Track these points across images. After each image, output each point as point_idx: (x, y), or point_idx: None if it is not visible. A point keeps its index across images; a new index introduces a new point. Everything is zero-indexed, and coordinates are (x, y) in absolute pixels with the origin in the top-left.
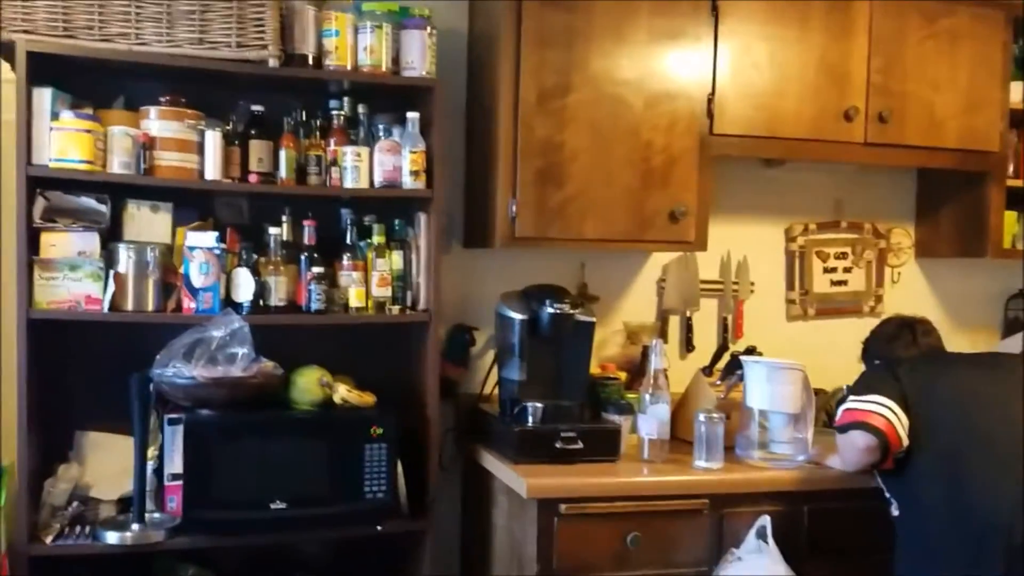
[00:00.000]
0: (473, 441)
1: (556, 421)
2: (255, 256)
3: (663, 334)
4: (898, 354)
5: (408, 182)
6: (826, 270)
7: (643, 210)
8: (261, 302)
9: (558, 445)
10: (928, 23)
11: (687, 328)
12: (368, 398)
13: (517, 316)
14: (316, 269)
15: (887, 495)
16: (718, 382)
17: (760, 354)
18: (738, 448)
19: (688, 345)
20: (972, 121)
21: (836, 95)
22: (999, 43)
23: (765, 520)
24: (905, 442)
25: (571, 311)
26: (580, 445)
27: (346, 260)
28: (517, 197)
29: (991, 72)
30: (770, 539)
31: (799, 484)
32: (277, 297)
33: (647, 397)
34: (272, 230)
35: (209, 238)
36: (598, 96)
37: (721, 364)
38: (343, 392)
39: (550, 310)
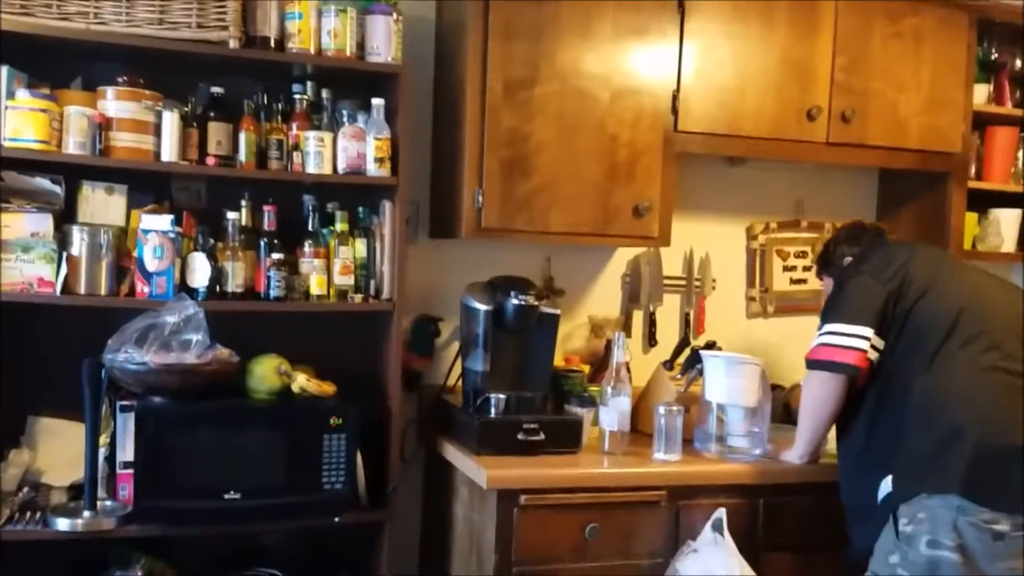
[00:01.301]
0: (436, 433)
1: (519, 412)
2: (212, 241)
3: (627, 328)
4: (866, 251)
5: (372, 169)
6: (786, 268)
7: (608, 204)
8: (218, 288)
9: (520, 436)
10: (893, 22)
11: (650, 323)
12: (328, 388)
13: (482, 307)
14: (276, 255)
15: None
16: (678, 376)
17: (720, 349)
18: (696, 441)
19: (651, 339)
20: (934, 121)
21: (799, 93)
22: (963, 44)
23: (721, 513)
24: (876, 357)
25: (536, 303)
26: (542, 436)
27: (308, 247)
28: (483, 188)
29: (955, 73)
30: (726, 532)
31: (755, 478)
32: (234, 283)
33: (609, 390)
34: (230, 215)
35: (164, 221)
36: (564, 89)
37: (682, 358)
38: (302, 381)
39: (515, 301)
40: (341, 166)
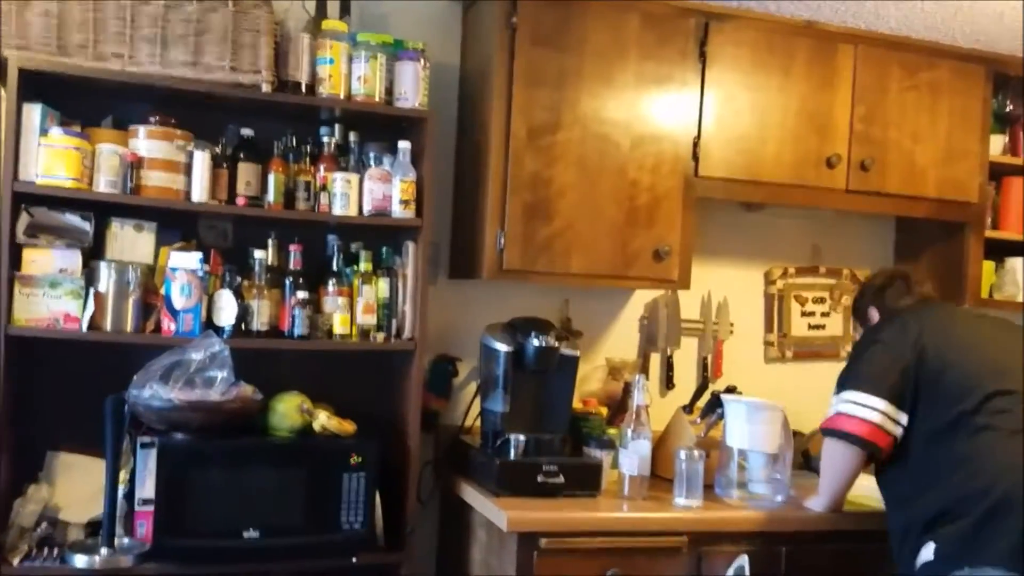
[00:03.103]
0: (453, 473)
1: (538, 454)
2: (239, 279)
3: (644, 371)
4: (893, 304)
5: (398, 211)
6: (804, 314)
7: (628, 247)
8: (243, 326)
9: (540, 479)
10: (910, 75)
11: (668, 366)
12: (348, 426)
13: (503, 348)
14: (301, 294)
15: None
16: (698, 420)
17: (740, 393)
18: (717, 487)
19: (668, 383)
20: (951, 172)
21: (818, 142)
22: (979, 97)
23: (743, 560)
24: (899, 432)
25: (556, 344)
26: (562, 479)
27: (331, 286)
28: (505, 230)
29: (971, 124)
30: None
31: (778, 524)
32: (259, 321)
33: (629, 433)
34: (257, 253)
35: (192, 259)
36: (586, 135)
37: (701, 402)
38: (323, 419)
39: (536, 343)
40: (367, 207)
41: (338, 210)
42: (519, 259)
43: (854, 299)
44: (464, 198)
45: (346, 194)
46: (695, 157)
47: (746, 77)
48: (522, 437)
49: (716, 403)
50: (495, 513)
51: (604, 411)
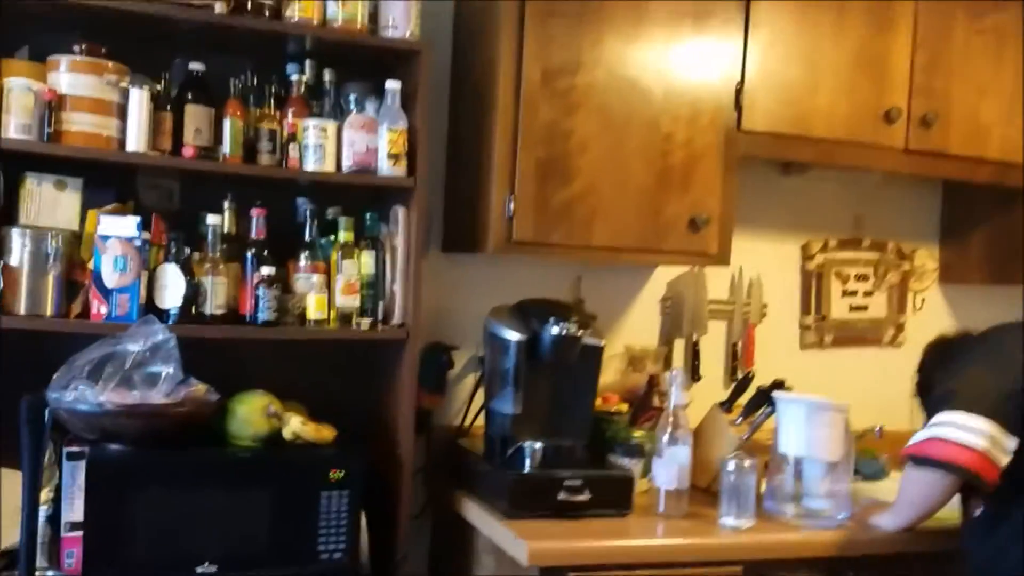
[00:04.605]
0: (449, 485)
1: (557, 466)
2: (187, 251)
3: (669, 360)
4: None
5: (385, 168)
6: (845, 293)
7: (660, 215)
8: (193, 309)
9: (561, 496)
10: (976, 17)
11: (693, 354)
12: (326, 433)
13: (514, 336)
14: (266, 270)
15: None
16: (738, 420)
17: (789, 389)
18: (767, 500)
19: (694, 373)
20: (1016, 131)
21: (875, 94)
22: None
23: None
24: (1006, 461)
25: (579, 333)
26: (587, 496)
27: (303, 260)
28: (516, 193)
29: None
30: None
31: (843, 548)
32: (214, 303)
33: (665, 438)
34: (210, 219)
35: (128, 225)
36: (611, 79)
37: (743, 399)
38: (296, 425)
39: (555, 331)
40: (347, 163)
41: (311, 166)
42: (532, 229)
43: (917, 380)
44: (461, 154)
45: (320, 146)
46: (738, 107)
47: (796, 16)
48: (538, 445)
49: (761, 400)
50: (509, 541)
51: (625, 408)
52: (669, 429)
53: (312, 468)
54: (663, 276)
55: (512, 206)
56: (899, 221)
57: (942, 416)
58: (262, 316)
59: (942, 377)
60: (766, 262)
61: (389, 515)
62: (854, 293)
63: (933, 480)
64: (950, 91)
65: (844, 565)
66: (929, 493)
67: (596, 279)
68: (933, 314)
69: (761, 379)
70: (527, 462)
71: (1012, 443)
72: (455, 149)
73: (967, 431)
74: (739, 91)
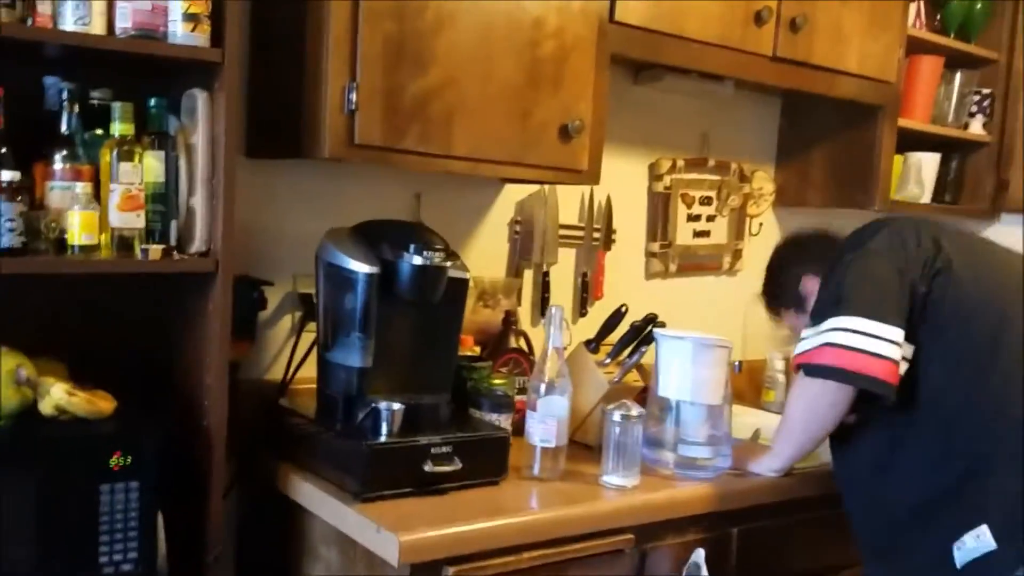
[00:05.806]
0: (270, 457)
1: (419, 430)
2: None
3: (521, 295)
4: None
5: (180, 33)
6: (690, 218)
7: (529, 119)
8: None
9: (427, 468)
10: None
11: (543, 286)
12: (103, 404)
13: (363, 268)
14: (6, 176)
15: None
16: (606, 360)
17: (663, 325)
18: (644, 450)
19: (543, 308)
20: (873, 45)
21: None
22: None
23: (699, 556)
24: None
25: (446, 263)
26: (458, 465)
27: (60, 162)
28: (358, 81)
29: None
30: None
31: (727, 501)
32: None
33: (541, 388)
34: None
35: None
36: None
37: (613, 337)
38: (59, 395)
39: (416, 260)
40: (123, 23)
41: (70, 25)
42: (380, 129)
43: (765, 279)
44: (275, 27)
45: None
46: None
47: None
48: (396, 405)
49: (635, 337)
50: (369, 532)
51: (478, 352)
52: (545, 376)
53: (86, 453)
54: (511, 196)
55: (354, 97)
56: (741, 141)
57: (842, 320)
58: (4, 241)
59: (826, 279)
60: (615, 182)
61: (196, 505)
62: (698, 218)
63: (834, 389)
64: None
65: (728, 520)
66: (824, 404)
67: (435, 195)
68: (770, 240)
69: (604, 311)
70: (383, 427)
71: (909, 351)
72: (263, 19)
73: (875, 340)
74: None
